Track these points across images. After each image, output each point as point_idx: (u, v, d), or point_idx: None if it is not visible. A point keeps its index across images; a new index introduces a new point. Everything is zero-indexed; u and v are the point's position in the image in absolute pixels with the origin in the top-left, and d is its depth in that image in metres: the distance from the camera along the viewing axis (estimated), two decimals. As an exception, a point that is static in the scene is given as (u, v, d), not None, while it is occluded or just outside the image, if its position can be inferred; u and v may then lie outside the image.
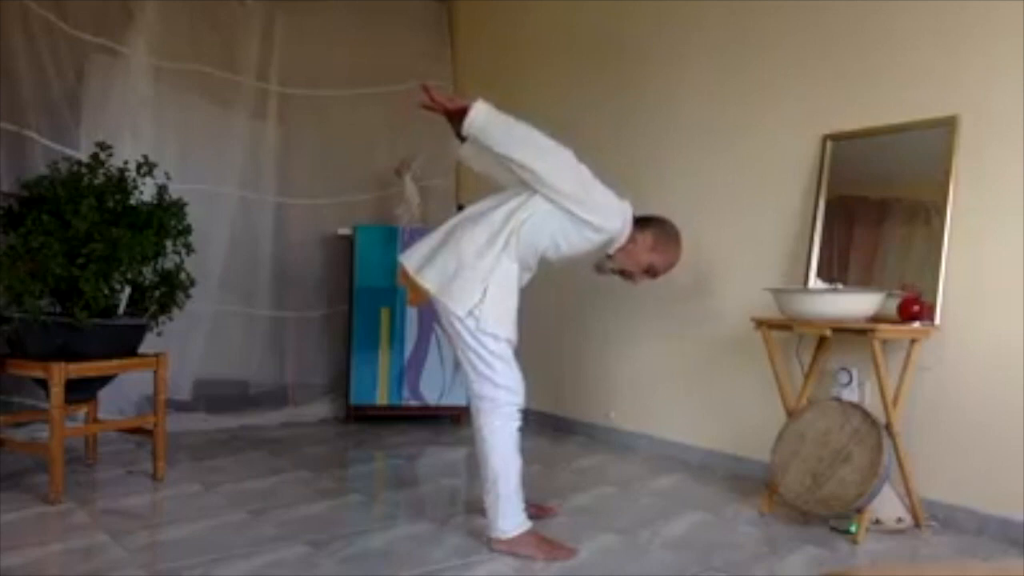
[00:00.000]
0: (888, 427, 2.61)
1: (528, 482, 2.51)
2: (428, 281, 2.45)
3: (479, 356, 2.41)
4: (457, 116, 2.42)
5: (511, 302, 2.47)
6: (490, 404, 2.42)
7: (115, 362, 2.96)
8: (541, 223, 2.43)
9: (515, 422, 2.44)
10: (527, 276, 2.61)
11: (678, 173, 3.68)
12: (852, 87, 3.06)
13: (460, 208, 2.95)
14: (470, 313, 2.39)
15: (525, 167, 2.37)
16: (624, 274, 2.63)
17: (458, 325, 2.41)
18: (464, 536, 2.55)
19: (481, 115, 2.38)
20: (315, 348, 4.51)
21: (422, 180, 4.50)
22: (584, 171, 2.43)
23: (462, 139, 2.52)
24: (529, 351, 2.90)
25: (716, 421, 3.51)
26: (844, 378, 2.89)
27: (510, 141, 2.38)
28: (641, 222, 2.57)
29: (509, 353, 2.45)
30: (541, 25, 4.46)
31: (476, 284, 2.39)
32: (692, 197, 3.54)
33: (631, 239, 2.54)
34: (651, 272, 2.61)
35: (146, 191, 3.10)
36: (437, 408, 4.30)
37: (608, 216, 2.45)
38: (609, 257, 2.59)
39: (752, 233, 3.37)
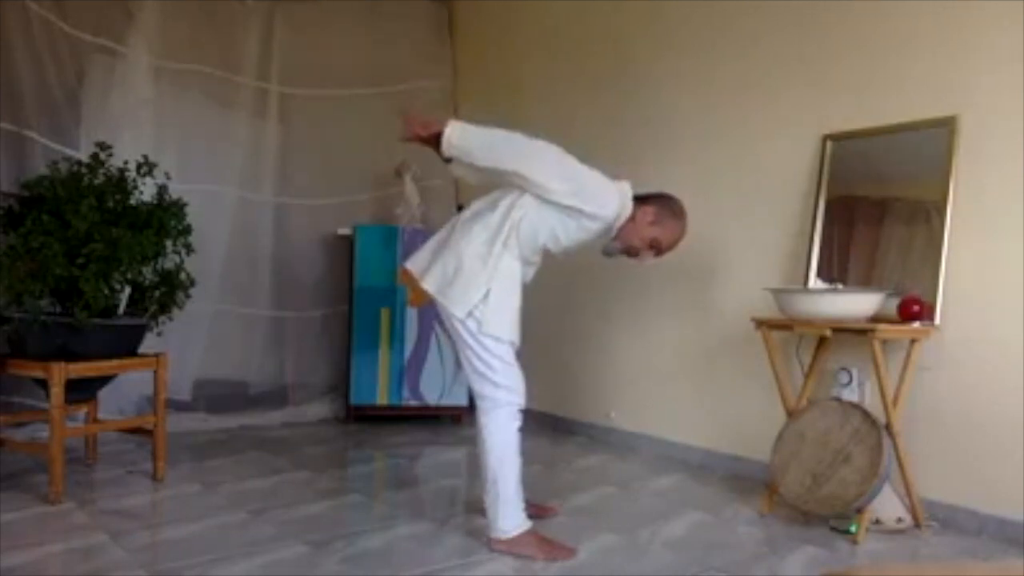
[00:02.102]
0: (888, 427, 2.61)
1: (528, 482, 2.51)
2: (429, 283, 2.46)
3: (479, 357, 2.41)
4: (435, 141, 2.42)
5: (513, 302, 2.47)
6: (490, 404, 2.42)
7: (115, 362, 2.96)
8: (539, 217, 2.43)
9: (515, 422, 2.44)
10: (531, 271, 2.60)
11: (678, 174, 3.67)
12: (852, 87, 3.06)
13: (460, 208, 2.95)
14: (470, 314, 2.39)
15: (514, 174, 2.38)
16: (630, 252, 2.59)
17: (459, 326, 2.42)
18: (464, 536, 2.55)
19: (456, 134, 2.38)
20: (315, 348, 4.51)
21: (422, 180, 4.50)
22: (572, 162, 2.42)
23: (447, 160, 2.51)
24: (529, 351, 2.89)
25: (716, 421, 3.51)
26: (844, 378, 2.89)
27: (491, 153, 2.39)
28: (643, 198, 2.56)
29: (511, 354, 2.45)
30: (541, 25, 4.46)
31: (477, 285, 2.39)
32: (692, 197, 3.49)
33: (632, 216, 2.51)
34: (655, 247, 2.56)
35: (146, 191, 3.10)
36: (437, 408, 4.30)
37: (604, 203, 2.44)
38: (614, 238, 2.57)
39: (752, 233, 3.37)
